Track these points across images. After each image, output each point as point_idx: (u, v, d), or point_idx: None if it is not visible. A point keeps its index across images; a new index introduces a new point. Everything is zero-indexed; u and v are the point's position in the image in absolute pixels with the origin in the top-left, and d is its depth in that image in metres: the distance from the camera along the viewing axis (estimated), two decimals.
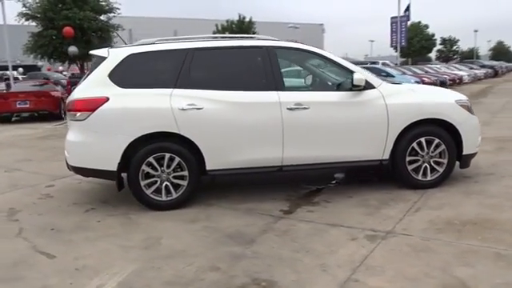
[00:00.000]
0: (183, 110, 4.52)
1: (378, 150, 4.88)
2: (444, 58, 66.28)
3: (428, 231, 3.79)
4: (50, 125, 13.39)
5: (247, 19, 40.13)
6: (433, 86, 6.61)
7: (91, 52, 5.01)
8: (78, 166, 4.66)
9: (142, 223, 4.32)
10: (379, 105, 4.81)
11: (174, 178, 4.60)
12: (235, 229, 4.07)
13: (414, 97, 5.05)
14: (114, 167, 4.51)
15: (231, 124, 4.62)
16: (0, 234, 4.21)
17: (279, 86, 4.75)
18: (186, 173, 4.59)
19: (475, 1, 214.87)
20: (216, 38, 5.04)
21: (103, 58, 4.66)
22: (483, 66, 42.76)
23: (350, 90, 4.79)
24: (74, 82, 13.13)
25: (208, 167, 4.63)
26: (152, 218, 4.43)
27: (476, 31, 71.06)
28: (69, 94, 12.78)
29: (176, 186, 4.62)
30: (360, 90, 4.78)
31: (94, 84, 4.60)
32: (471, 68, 37.74)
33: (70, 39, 18.64)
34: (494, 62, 50.71)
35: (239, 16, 40.58)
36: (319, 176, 5.52)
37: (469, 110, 5.13)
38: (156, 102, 4.55)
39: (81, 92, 4.60)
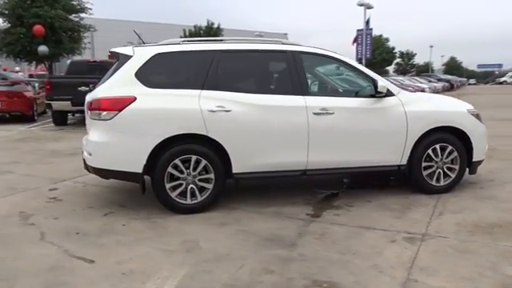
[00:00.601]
0: (212, 111, 4.47)
1: (397, 155, 5.01)
2: (401, 70, 68.94)
3: (461, 233, 3.93)
4: (24, 127, 12.81)
5: (215, 25, 40.17)
6: (444, 96, 6.85)
7: (114, 50, 4.86)
8: (101, 168, 4.49)
9: (169, 227, 4.21)
10: (399, 112, 4.95)
11: (200, 180, 4.53)
12: (270, 232, 4.05)
13: (430, 105, 5.24)
14: (139, 169, 4.38)
15: (258, 127, 4.61)
16: (21, 238, 3.98)
17: (305, 91, 4.79)
18: (211, 176, 4.53)
19: (431, 17, 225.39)
20: (243, 40, 5.00)
21: (128, 57, 4.54)
22: (440, 80, 44.82)
23: (372, 96, 4.91)
24: (56, 82, 12.53)
25: (234, 170, 4.59)
26: (179, 221, 4.33)
27: (432, 46, 74.64)
28: (48, 94, 12.35)
29: (201, 189, 4.54)
30: (381, 97, 4.91)
31: (120, 83, 4.47)
32: (430, 81, 39.52)
33: (40, 38, 17.91)
34: (449, 76, 53.30)
35: (207, 22, 40.54)
36: (324, 180, 5.63)
37: (478, 118, 5.38)
38: (185, 103, 4.47)
39: (106, 91, 4.46)
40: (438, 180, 5.16)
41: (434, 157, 5.11)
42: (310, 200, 5.05)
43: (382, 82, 4.87)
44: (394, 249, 3.62)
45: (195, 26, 39.87)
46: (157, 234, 4.04)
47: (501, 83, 66.73)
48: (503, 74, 78.14)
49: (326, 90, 5.05)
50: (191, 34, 38.80)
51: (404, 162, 5.04)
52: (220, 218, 4.44)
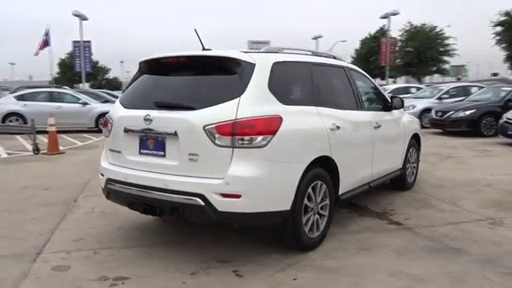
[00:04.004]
0: (332, 130, 4.03)
1: (401, 160, 5.79)
2: None
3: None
4: None
5: None
6: None
7: (223, 54, 3.55)
8: (255, 212, 3.29)
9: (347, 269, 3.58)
10: (401, 121, 5.75)
11: (321, 208, 3.99)
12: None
13: (407, 116, 6.25)
14: (287, 205, 3.50)
15: (354, 143, 4.46)
16: None
17: (363, 106, 4.92)
18: (327, 201, 4.07)
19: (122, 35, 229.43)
20: (311, 52, 4.53)
21: (251, 66, 3.49)
22: None
23: (388, 109, 5.49)
24: None
25: (340, 192, 4.27)
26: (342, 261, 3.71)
27: (122, 62, 77.12)
28: None
29: (320, 219, 4.01)
30: (392, 110, 5.56)
31: (256, 98, 3.40)
32: None
33: None
34: None
35: None
36: None
37: None
38: (314, 122, 3.85)
39: (248, 109, 3.29)
40: (410, 178, 6.25)
41: (410, 158, 6.16)
42: (362, 213, 5.15)
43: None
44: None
45: None
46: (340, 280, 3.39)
47: None
48: None
49: (369, 105, 5.22)
50: None
51: (401, 165, 5.86)
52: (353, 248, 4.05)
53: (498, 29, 29.73)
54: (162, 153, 3.52)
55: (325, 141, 3.91)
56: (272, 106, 3.46)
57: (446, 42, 37.30)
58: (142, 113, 3.58)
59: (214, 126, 3.24)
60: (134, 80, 4.16)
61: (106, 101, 18.37)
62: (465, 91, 16.39)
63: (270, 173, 3.34)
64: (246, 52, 3.68)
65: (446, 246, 4.05)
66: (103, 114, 15.60)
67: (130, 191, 3.64)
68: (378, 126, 4.97)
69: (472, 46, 43.01)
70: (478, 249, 3.97)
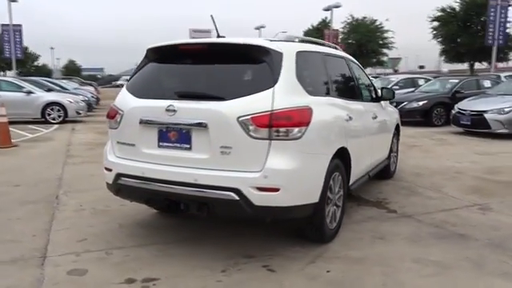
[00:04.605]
0: (346, 121, 4.03)
1: (388, 149, 5.95)
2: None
3: None
4: None
5: None
6: None
7: (251, 42, 3.37)
8: (294, 205, 3.20)
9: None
10: (387, 111, 5.90)
11: (337, 199, 3.99)
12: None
13: (390, 106, 6.40)
14: (317, 198, 3.45)
15: (361, 134, 4.50)
16: None
17: (363, 97, 4.98)
18: (341, 192, 4.08)
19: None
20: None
21: (279, 55, 3.37)
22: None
23: (377, 99, 5.59)
24: None
25: (350, 182, 4.29)
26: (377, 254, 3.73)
27: (53, 48, 73.02)
28: None
29: (336, 210, 4.01)
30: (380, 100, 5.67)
31: (289, 89, 3.30)
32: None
33: None
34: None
35: None
36: None
37: None
38: (335, 112, 3.83)
39: (284, 99, 3.17)
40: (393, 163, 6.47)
41: (393, 147, 6.35)
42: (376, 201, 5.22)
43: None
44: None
45: None
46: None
47: (118, 86, 72.92)
48: (117, 78, 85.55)
49: (366, 96, 5.24)
50: None
51: (388, 154, 6.03)
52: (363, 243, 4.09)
53: (435, 24, 31.49)
54: (188, 145, 3.32)
55: (343, 132, 3.91)
56: (302, 97, 3.39)
57: (385, 35, 38.90)
58: (163, 103, 3.35)
59: (249, 117, 3.11)
60: (140, 68, 3.88)
61: (50, 89, 17.22)
62: (413, 83, 17.22)
63: (304, 165, 3.27)
64: (270, 40, 3.55)
65: (451, 232, 4.21)
66: (50, 104, 14.65)
67: (149, 187, 3.41)
68: (375, 117, 5.06)
69: (402, 40, 45.25)
70: (480, 234, 4.17)
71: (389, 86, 16.85)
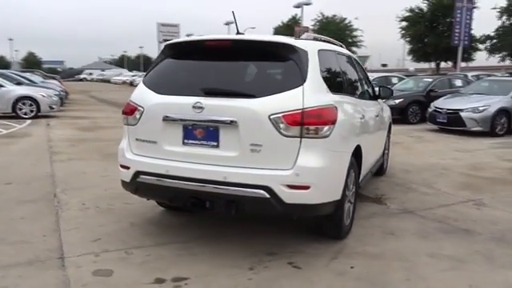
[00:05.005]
0: (360, 119, 4.12)
1: (384, 147, 6.11)
2: None
3: None
4: None
5: None
6: None
7: (277, 40, 3.36)
8: (324, 202, 3.24)
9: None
10: (384, 109, 6.04)
11: (351, 196, 4.08)
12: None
13: (385, 105, 6.55)
14: (339, 195, 3.52)
15: (370, 132, 4.61)
16: None
17: (367, 96, 5.08)
18: (354, 189, 4.17)
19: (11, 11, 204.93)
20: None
21: (305, 53, 3.40)
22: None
23: (376, 98, 5.72)
24: None
25: (359, 179, 4.39)
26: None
27: (11, 39, 70.20)
28: None
29: (350, 207, 4.09)
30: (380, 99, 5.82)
31: (316, 87, 3.33)
32: None
33: None
34: None
35: None
36: None
37: None
38: (352, 110, 3.90)
39: (313, 97, 3.20)
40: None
41: (387, 144, 6.52)
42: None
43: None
44: None
45: None
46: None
47: (81, 80, 70.89)
48: (80, 72, 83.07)
49: (367, 94, 5.32)
50: None
51: (383, 151, 6.19)
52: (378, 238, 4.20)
53: (404, 24, 32.40)
54: (215, 143, 3.30)
55: (358, 130, 3.99)
56: (327, 96, 3.44)
57: (355, 33, 39.66)
58: (189, 100, 3.31)
59: (280, 115, 3.13)
60: (157, 63, 3.81)
61: (19, 83, 16.55)
62: (386, 81, 17.63)
63: (331, 163, 3.33)
64: (295, 39, 3.58)
65: (455, 228, 4.38)
66: (21, 98, 14.07)
67: (173, 185, 3.37)
68: (377, 115, 5.19)
69: (367, 39, 46.35)
70: (482, 228, 4.36)
71: None
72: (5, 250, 3.54)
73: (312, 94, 3.24)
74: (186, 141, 3.40)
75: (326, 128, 3.23)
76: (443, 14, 30.29)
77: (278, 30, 46.46)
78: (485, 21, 28.33)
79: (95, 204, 4.77)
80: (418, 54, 32.60)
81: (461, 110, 11.17)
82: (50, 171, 6.35)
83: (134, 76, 51.67)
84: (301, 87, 3.22)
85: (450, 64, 31.60)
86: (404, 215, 4.76)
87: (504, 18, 29.11)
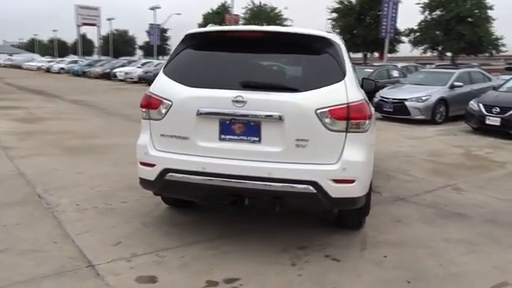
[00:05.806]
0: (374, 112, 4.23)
1: None
2: None
3: None
4: None
5: None
6: None
7: (313, 33, 3.28)
8: (361, 196, 3.29)
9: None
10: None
11: None
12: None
13: None
14: (368, 188, 3.60)
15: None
16: None
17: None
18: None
19: None
20: None
21: (339, 47, 3.43)
22: None
23: None
24: None
25: None
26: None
27: None
28: None
29: None
30: None
31: (353, 81, 3.36)
32: None
33: None
34: None
35: None
36: None
37: None
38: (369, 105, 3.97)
39: (353, 92, 3.22)
40: None
41: None
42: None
43: None
44: None
45: None
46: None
47: None
48: None
49: None
50: None
51: None
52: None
53: (334, 15, 33.59)
54: (256, 138, 3.21)
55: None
56: (360, 90, 3.49)
57: (285, 23, 40.31)
58: (229, 94, 3.17)
59: (326, 109, 3.12)
60: (177, 53, 3.59)
61: None
62: None
63: (370, 156, 3.42)
64: (327, 32, 3.58)
65: (450, 212, 4.70)
66: None
67: (209, 182, 3.22)
68: None
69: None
70: (472, 212, 4.72)
71: None
72: (20, 261, 3.18)
73: (352, 88, 3.28)
74: (223, 136, 3.27)
75: (367, 122, 3.28)
76: (370, 7, 31.87)
77: (208, 17, 45.84)
78: (408, 15, 30.28)
79: (91, 204, 4.44)
80: (348, 45, 33.80)
81: (406, 100, 11.88)
82: (15, 169, 5.77)
83: (50, 62, 48.29)
84: (342, 81, 3.23)
85: (376, 55, 33.41)
86: (399, 202, 5.00)
87: (426, 12, 31.32)
